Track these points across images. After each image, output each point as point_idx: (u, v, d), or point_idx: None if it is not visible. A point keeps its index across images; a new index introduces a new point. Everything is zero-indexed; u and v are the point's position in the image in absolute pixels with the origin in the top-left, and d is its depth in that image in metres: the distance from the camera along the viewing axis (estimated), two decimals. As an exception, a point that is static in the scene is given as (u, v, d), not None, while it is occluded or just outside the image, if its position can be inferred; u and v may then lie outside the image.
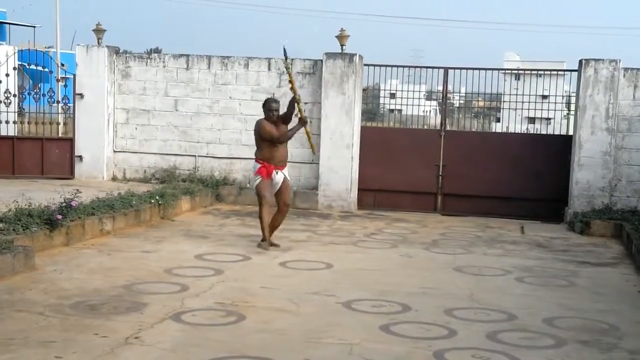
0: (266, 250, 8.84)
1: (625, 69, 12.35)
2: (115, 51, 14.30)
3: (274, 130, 8.96)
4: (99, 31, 14.11)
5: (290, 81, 9.26)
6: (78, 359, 4.93)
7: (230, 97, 13.76)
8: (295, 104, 9.06)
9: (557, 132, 13.76)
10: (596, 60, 12.38)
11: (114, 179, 14.10)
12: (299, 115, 9.12)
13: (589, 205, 12.12)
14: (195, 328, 5.72)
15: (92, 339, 5.31)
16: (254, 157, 9.14)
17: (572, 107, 13.49)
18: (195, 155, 13.90)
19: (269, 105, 9.06)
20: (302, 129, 9.21)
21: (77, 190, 9.05)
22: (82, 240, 8.80)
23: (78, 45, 14.40)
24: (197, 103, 13.90)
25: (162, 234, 9.77)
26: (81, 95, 13.99)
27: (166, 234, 9.80)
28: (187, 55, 14.04)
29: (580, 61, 12.51)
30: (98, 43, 14.10)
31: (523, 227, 11.85)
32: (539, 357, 5.37)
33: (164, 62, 14.11)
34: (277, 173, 9.02)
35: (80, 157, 14.02)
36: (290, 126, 9.19)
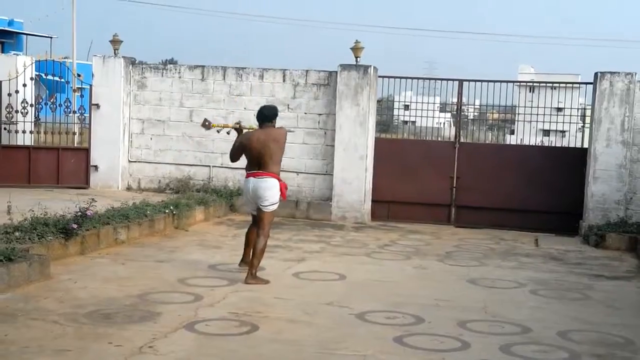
0: (260, 284, 7.61)
1: (641, 82, 12.31)
2: (132, 62, 14.41)
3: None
4: (115, 42, 14.24)
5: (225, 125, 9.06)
6: (92, 368, 4.96)
7: (245, 108, 13.81)
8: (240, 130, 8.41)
9: (571, 145, 13.72)
10: (612, 73, 12.35)
11: (129, 188, 14.18)
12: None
13: (604, 219, 12.06)
14: (208, 338, 5.73)
15: (106, 348, 5.33)
16: (272, 173, 7.70)
17: (587, 119, 13.44)
18: (209, 166, 13.96)
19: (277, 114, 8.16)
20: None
21: (92, 199, 9.09)
22: (97, 249, 8.85)
23: (94, 55, 14.53)
24: (212, 114, 13.93)
25: (176, 244, 9.81)
26: (97, 106, 14.09)
27: (180, 244, 9.84)
28: (203, 67, 14.12)
29: (596, 74, 12.48)
30: (114, 54, 14.22)
31: (537, 240, 11.80)
32: (553, 371, 5.35)
33: (179, 73, 14.20)
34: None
35: (96, 167, 14.11)
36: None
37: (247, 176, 7.88)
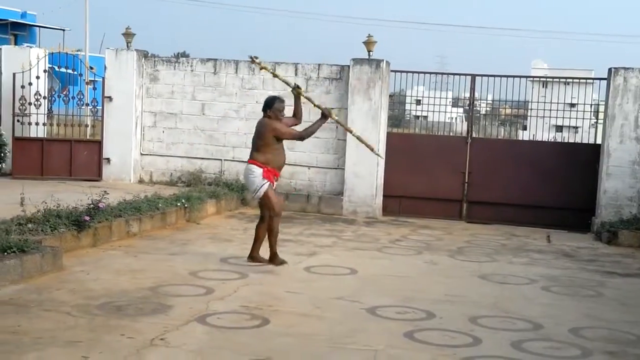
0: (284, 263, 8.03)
1: (656, 78, 12.22)
2: (144, 55, 14.43)
3: (293, 128, 8.05)
4: (128, 35, 14.25)
5: (274, 75, 8.51)
6: (104, 359, 4.98)
7: (257, 102, 13.78)
8: (299, 97, 8.13)
9: (584, 141, 13.64)
10: (626, 69, 12.27)
11: (141, 181, 14.22)
12: (319, 109, 8.06)
13: (617, 215, 12.00)
14: (220, 331, 5.75)
15: (118, 340, 5.36)
16: (250, 159, 7.89)
17: (601, 115, 13.37)
18: (221, 159, 13.97)
19: (277, 106, 7.93)
20: (335, 124, 8.29)
21: (105, 192, 9.12)
22: (109, 241, 8.89)
23: (107, 48, 14.55)
24: (224, 107, 13.98)
25: (188, 237, 9.84)
26: (110, 98, 14.13)
27: (192, 237, 9.86)
28: (215, 60, 14.13)
29: (610, 70, 12.40)
30: (127, 47, 14.24)
31: (549, 236, 11.76)
32: (565, 367, 5.34)
33: (192, 66, 14.21)
34: (277, 179, 8.09)
35: (108, 160, 14.15)
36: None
37: None
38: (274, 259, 8.05)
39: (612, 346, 5.88)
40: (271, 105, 7.94)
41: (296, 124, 8.22)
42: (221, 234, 10.26)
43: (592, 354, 5.66)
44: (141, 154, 14.35)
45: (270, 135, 7.82)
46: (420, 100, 14.99)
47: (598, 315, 6.87)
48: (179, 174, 14.12)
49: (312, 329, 5.91)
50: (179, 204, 10.77)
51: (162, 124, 14.27)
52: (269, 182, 7.83)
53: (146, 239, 9.39)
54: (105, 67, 14.28)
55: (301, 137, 8.03)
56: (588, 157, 12.79)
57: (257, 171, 7.81)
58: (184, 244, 9.36)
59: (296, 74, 13.68)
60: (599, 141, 13.03)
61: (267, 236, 8.04)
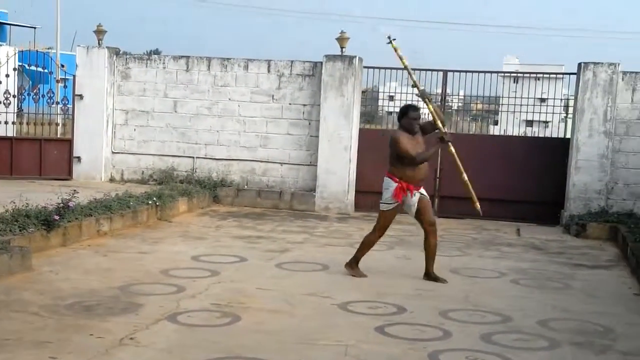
0: (356, 276, 7.83)
1: (624, 73, 12.38)
2: (116, 52, 14.33)
3: (410, 147, 7.50)
4: (99, 32, 14.15)
5: (405, 66, 8.07)
6: None
7: (229, 99, 13.79)
8: (434, 118, 7.69)
9: (554, 135, 13.76)
10: (595, 63, 12.41)
11: (112, 180, 14.13)
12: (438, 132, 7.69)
13: (586, 208, 12.15)
14: (190, 329, 5.74)
15: (87, 340, 5.32)
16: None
17: (570, 110, 13.52)
18: (193, 157, 13.93)
19: (412, 114, 7.61)
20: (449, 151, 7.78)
21: (75, 191, 9.06)
22: (79, 241, 8.82)
23: (78, 46, 14.45)
24: (197, 104, 13.93)
25: (159, 235, 9.80)
26: (81, 96, 14.02)
27: (163, 235, 9.82)
28: (187, 57, 14.07)
29: (579, 64, 12.54)
30: (98, 44, 14.14)
31: (519, 230, 11.88)
32: (533, 359, 5.39)
33: (164, 63, 14.14)
34: (415, 194, 7.65)
35: (79, 158, 14.05)
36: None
37: None
38: (352, 264, 7.95)
39: (580, 337, 5.96)
40: (405, 113, 7.66)
41: (434, 130, 7.79)
42: (193, 232, 10.23)
43: (560, 345, 5.73)
44: (112, 152, 14.25)
45: (392, 149, 7.62)
46: (393, 96, 15.05)
47: (566, 307, 6.96)
48: (150, 172, 14.05)
49: (283, 326, 5.92)
50: (150, 202, 10.72)
51: (133, 122, 14.18)
52: (396, 204, 7.63)
53: (117, 238, 9.34)
54: (76, 65, 14.17)
55: (412, 159, 7.53)
56: (558, 151, 12.92)
57: (390, 186, 7.63)
58: (155, 242, 9.32)
59: (269, 71, 13.67)
60: (568, 135, 13.17)
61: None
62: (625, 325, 6.37)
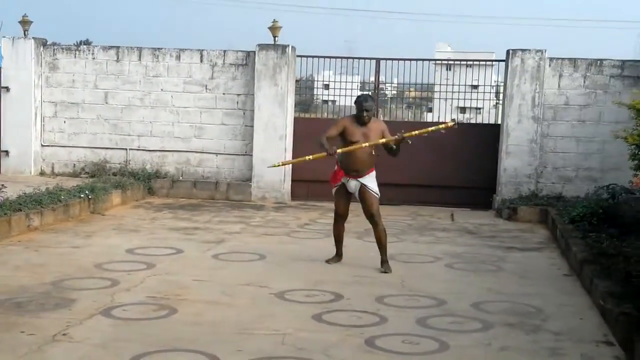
0: (329, 264, 7.96)
1: (551, 59, 12.68)
2: (43, 43, 13.95)
3: (331, 130, 7.77)
4: (25, 23, 13.78)
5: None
6: (4, 358, 4.82)
7: (161, 90, 13.59)
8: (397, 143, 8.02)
9: (486, 122, 14.04)
10: (523, 50, 12.68)
11: (42, 173, 13.79)
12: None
13: (516, 192, 12.44)
14: (126, 323, 5.66)
15: (18, 337, 5.19)
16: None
17: (501, 96, 13.79)
18: (126, 149, 13.69)
19: (358, 105, 7.72)
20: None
21: (3, 185, 8.84)
22: (8, 236, 8.58)
23: (3, 37, 13.99)
24: (128, 95, 13.68)
25: (92, 229, 9.62)
26: (7, 89, 13.63)
27: (96, 229, 9.64)
28: (117, 47, 13.79)
29: (508, 51, 12.79)
30: (24, 35, 13.76)
31: (453, 215, 12.09)
32: (467, 341, 5.50)
33: (93, 54, 13.83)
34: (348, 180, 7.80)
35: (7, 152, 13.67)
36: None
37: None
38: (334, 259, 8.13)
39: (512, 318, 6.11)
40: (356, 102, 7.85)
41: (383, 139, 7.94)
42: (127, 225, 10.07)
43: (492, 326, 5.86)
44: (42, 146, 13.89)
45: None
46: (328, 85, 15.10)
47: (499, 289, 7.13)
48: (82, 164, 13.76)
49: (221, 316, 5.90)
50: (82, 196, 10.50)
51: (63, 114, 13.85)
52: (337, 187, 7.94)
53: (48, 233, 9.12)
54: (1, 57, 13.74)
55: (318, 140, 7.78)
56: (489, 137, 13.17)
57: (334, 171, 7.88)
58: (88, 236, 9.14)
59: (202, 61, 13.52)
60: (499, 121, 13.44)
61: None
62: (555, 306, 6.56)
